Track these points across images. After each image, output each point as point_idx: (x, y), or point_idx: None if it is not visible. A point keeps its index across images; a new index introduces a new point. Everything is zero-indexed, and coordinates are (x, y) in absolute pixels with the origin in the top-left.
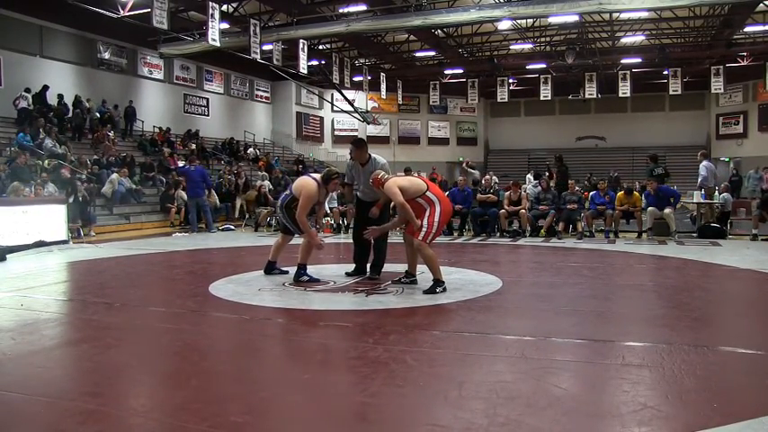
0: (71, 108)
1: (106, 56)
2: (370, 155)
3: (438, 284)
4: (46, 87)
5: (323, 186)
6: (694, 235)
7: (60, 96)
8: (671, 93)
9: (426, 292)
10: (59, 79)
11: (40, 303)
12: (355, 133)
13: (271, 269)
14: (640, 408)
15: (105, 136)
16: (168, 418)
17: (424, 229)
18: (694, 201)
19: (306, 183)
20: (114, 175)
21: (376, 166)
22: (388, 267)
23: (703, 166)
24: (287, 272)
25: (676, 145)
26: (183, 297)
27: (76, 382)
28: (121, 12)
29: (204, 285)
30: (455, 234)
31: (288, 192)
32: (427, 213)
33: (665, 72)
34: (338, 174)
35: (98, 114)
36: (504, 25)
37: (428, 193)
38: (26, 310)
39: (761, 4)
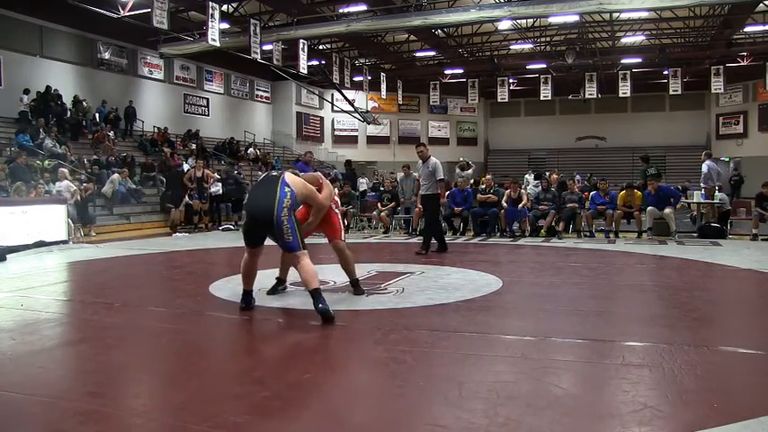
0: (69, 108)
1: (106, 56)
2: (429, 155)
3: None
4: (49, 88)
5: None
6: (694, 235)
7: (59, 96)
8: (671, 93)
9: (357, 293)
10: (59, 79)
11: (40, 303)
12: (355, 133)
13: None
14: (640, 408)
15: (105, 136)
16: (168, 418)
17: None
18: (694, 201)
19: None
20: (115, 176)
21: (430, 165)
22: (387, 267)
23: (706, 165)
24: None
25: (676, 145)
26: (183, 297)
27: (77, 383)
28: (121, 12)
29: (204, 285)
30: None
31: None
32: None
33: (665, 72)
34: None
35: (97, 115)
36: (504, 25)
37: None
38: (26, 311)
39: (761, 4)
